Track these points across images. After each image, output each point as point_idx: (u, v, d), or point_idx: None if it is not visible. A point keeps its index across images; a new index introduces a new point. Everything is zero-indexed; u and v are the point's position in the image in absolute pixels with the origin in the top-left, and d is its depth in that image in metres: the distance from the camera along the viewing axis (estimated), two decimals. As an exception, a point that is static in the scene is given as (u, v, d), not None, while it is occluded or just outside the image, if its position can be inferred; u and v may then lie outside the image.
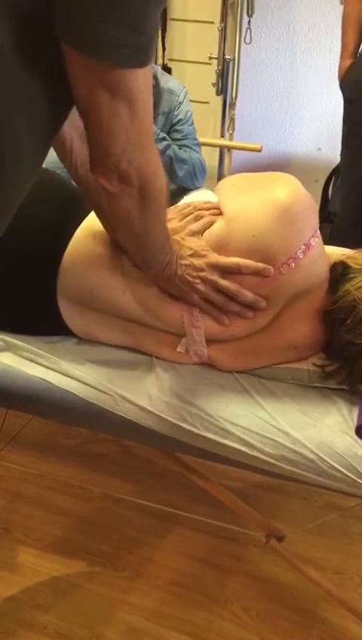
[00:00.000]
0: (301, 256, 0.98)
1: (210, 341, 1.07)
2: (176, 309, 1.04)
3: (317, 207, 1.02)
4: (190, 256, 0.99)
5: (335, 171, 2.81)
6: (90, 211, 1.08)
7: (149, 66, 0.70)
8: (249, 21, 2.68)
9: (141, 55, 0.67)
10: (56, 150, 0.97)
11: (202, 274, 0.98)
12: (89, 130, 0.73)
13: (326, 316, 1.05)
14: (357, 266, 1.06)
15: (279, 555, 1.38)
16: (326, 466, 0.97)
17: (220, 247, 1.00)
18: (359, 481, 0.97)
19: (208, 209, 1.07)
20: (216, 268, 0.98)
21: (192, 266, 0.98)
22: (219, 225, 1.02)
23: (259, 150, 2.46)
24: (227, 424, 1.00)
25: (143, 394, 1.04)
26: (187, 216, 1.06)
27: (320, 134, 3.07)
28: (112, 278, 1.05)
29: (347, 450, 0.97)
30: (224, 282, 0.98)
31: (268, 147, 2.90)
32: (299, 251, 0.98)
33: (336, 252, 1.13)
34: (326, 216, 2.69)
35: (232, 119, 2.77)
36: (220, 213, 1.05)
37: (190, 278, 0.98)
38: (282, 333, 1.06)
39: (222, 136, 2.84)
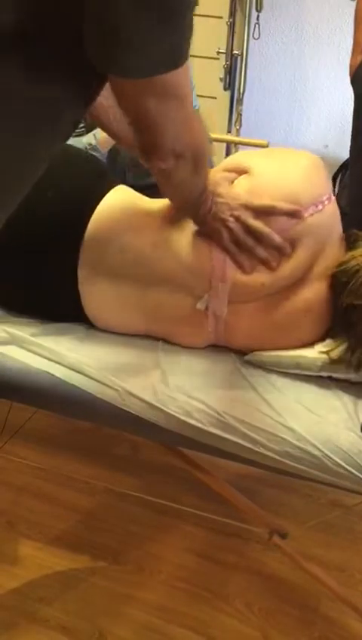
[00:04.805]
0: (327, 203, 1.05)
1: (232, 302, 1.08)
2: (207, 260, 1.05)
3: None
4: (226, 195, 1.02)
5: (342, 168, 2.79)
6: (117, 183, 1.16)
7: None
8: (258, 16, 2.67)
9: (176, 56, 0.69)
10: (99, 125, 1.07)
11: (236, 212, 1.01)
12: (137, 129, 0.78)
13: (332, 280, 1.08)
14: None
15: (282, 551, 1.38)
16: (330, 463, 0.97)
17: (251, 194, 1.03)
18: (363, 478, 0.97)
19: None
20: (250, 208, 1.01)
21: (227, 205, 1.01)
22: (246, 179, 1.06)
23: (266, 146, 2.44)
24: (232, 420, 1.00)
25: (149, 389, 1.04)
26: None
27: (327, 131, 3.05)
28: (142, 235, 1.08)
29: (352, 447, 0.97)
30: (256, 222, 1.01)
31: (275, 143, 2.88)
32: (325, 198, 1.05)
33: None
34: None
35: (239, 115, 2.76)
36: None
37: (223, 216, 1.01)
38: (300, 291, 1.08)
39: (229, 131, 2.83)
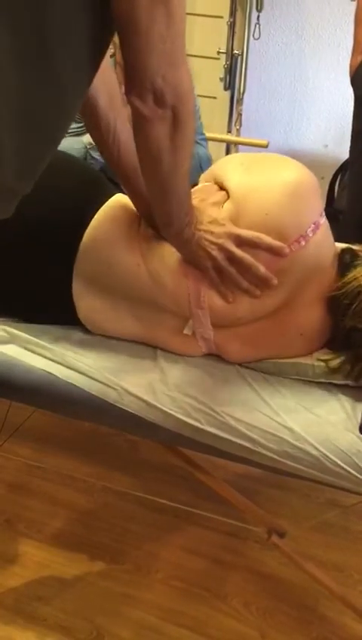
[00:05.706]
0: (311, 235, 1.00)
1: (217, 327, 1.07)
2: (184, 286, 1.04)
3: (320, 190, 1.06)
4: (210, 223, 0.99)
5: (342, 169, 2.80)
6: (113, 194, 1.13)
7: None
8: (258, 16, 2.67)
9: None
10: (92, 134, 1.01)
11: (219, 241, 0.98)
12: (126, 43, 0.75)
13: (331, 302, 1.06)
14: None
15: (280, 551, 1.38)
16: (329, 463, 0.97)
17: (233, 222, 1.00)
18: (361, 478, 0.97)
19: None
20: (234, 238, 0.99)
21: (211, 232, 0.99)
22: (228, 205, 1.02)
23: (266, 146, 2.45)
24: (230, 419, 1.00)
25: (147, 388, 1.04)
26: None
27: (327, 131, 3.06)
28: (130, 251, 1.07)
29: (350, 448, 0.97)
30: (240, 252, 0.98)
31: (275, 143, 2.89)
32: (309, 230, 0.99)
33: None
34: (332, 214, 2.68)
35: (239, 115, 2.77)
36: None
37: (207, 243, 0.98)
38: (290, 318, 1.07)
39: (229, 131, 2.83)
